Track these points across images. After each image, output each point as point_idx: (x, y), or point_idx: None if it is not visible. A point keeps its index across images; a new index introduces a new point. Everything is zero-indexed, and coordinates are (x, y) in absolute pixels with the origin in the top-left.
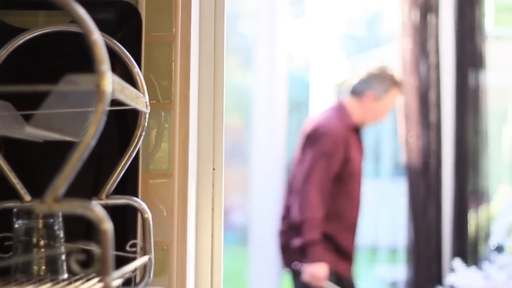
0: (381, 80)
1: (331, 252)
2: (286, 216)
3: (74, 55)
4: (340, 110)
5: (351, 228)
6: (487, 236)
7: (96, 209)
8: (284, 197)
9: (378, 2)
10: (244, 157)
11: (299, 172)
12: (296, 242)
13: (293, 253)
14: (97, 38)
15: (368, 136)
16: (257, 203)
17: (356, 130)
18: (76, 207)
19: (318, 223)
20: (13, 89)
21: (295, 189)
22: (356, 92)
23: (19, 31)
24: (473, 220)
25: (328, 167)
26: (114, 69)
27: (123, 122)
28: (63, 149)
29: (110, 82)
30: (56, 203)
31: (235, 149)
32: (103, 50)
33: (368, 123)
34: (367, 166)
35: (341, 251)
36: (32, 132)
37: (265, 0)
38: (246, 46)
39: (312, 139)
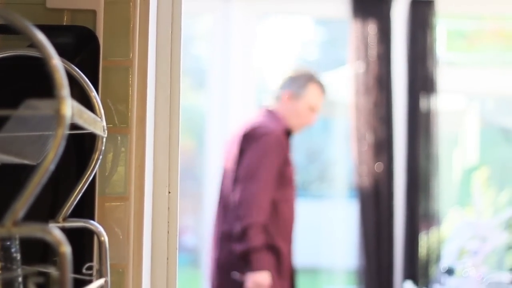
0: (295, 79)
1: (273, 265)
2: (217, 226)
3: (32, 79)
4: (271, 114)
5: (290, 239)
6: (438, 258)
7: (55, 233)
8: (215, 205)
9: (331, 24)
10: (196, 178)
11: (234, 175)
12: (237, 248)
13: (231, 264)
14: (57, 63)
15: (321, 156)
16: (209, 224)
17: (288, 134)
18: (35, 230)
19: (263, 228)
20: None
21: (227, 194)
22: (276, 96)
23: None
24: (424, 242)
25: (272, 167)
26: (72, 93)
27: (80, 145)
28: (19, 172)
29: (70, 108)
30: (15, 226)
31: (187, 170)
32: (63, 75)
33: (297, 128)
34: (321, 187)
35: (283, 265)
36: None
37: (219, 22)
38: (198, 68)
39: (251, 139)
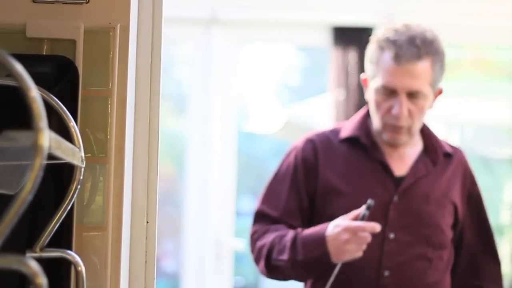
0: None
1: None
2: None
3: (10, 107)
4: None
5: None
6: None
7: (31, 264)
8: None
9: (313, 51)
10: (175, 202)
11: None
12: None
13: None
14: (35, 95)
15: None
16: (189, 250)
17: (358, 141)
18: (11, 262)
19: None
20: None
21: None
22: None
23: None
24: None
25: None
26: (50, 122)
27: (58, 175)
28: None
29: (48, 139)
30: None
31: (167, 195)
32: (41, 107)
33: (378, 124)
34: None
35: None
36: None
37: (201, 47)
38: (179, 93)
39: None
